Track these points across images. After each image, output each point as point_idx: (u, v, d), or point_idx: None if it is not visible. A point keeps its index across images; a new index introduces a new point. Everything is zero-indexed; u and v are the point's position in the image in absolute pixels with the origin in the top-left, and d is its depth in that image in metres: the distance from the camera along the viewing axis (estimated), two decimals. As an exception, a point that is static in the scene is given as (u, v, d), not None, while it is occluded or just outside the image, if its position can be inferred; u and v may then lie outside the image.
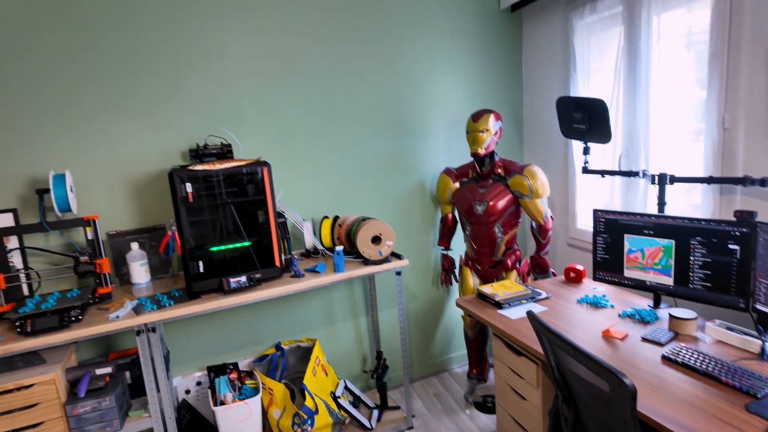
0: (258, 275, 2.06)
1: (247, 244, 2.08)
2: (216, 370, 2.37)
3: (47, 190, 1.96)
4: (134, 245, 2.06)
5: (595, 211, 2.03)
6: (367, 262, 2.27)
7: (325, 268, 2.23)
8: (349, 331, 2.81)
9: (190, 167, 1.97)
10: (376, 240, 2.27)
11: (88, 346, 2.21)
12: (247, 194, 2.08)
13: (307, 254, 2.49)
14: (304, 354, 2.61)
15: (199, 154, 2.17)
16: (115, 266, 2.20)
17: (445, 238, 2.84)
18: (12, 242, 2.03)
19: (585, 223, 2.76)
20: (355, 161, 2.71)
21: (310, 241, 2.48)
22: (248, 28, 2.37)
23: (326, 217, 2.54)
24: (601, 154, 2.53)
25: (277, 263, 2.13)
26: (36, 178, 2.06)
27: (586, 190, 2.72)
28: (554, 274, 2.58)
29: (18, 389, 1.75)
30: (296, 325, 2.67)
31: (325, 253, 2.50)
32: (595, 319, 1.87)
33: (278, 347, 2.55)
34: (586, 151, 2.43)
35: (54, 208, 1.94)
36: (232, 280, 1.99)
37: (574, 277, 2.29)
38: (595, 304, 2.00)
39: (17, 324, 1.68)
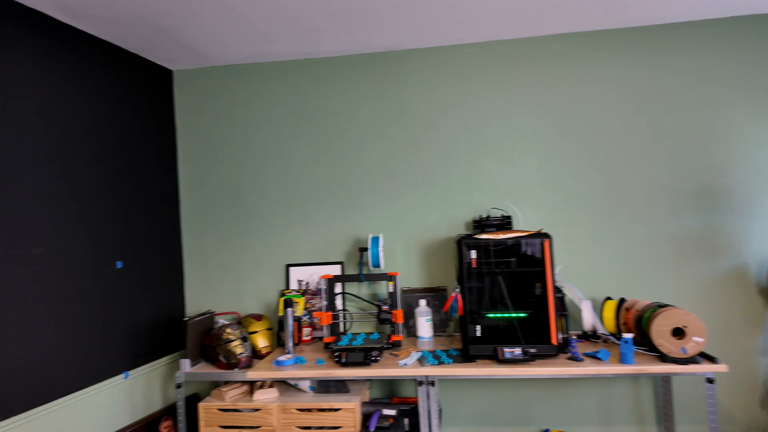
0: (533, 350, 1.99)
1: (523, 315, 2.06)
2: (480, 441, 2.34)
3: (366, 249, 2.45)
4: (422, 302, 2.31)
5: None
6: (664, 358, 1.91)
7: (609, 356, 1.98)
8: (632, 438, 2.37)
9: (475, 236, 2.12)
10: (679, 333, 1.90)
11: (378, 386, 2.54)
12: (525, 265, 2.09)
13: (585, 336, 2.28)
14: (576, 450, 2.32)
15: (481, 224, 2.33)
16: (404, 318, 2.51)
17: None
18: (337, 288, 2.58)
19: None
20: (645, 238, 2.40)
21: (589, 322, 2.27)
22: (534, 111, 2.50)
23: (609, 298, 2.29)
24: None
25: (554, 341, 2.02)
26: (358, 239, 2.60)
27: None
28: None
29: (330, 410, 2.14)
30: (566, 413, 2.42)
31: (607, 338, 2.23)
32: None
33: (546, 434, 2.36)
34: None
35: (368, 263, 2.40)
36: (506, 350, 1.99)
37: None
38: None
39: (336, 354, 2.09)
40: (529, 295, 2.08)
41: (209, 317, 2.49)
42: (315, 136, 2.66)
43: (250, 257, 2.71)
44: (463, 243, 2.10)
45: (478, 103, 2.54)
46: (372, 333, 2.37)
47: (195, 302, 2.76)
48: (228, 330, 2.29)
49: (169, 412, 2.49)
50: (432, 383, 2.02)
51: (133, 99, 2.45)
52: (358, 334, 2.37)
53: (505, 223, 2.33)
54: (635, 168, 2.42)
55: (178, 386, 2.24)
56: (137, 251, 2.41)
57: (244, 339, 2.31)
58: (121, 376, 2.26)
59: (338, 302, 2.56)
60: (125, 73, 2.40)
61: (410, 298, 2.51)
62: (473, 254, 2.10)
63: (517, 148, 2.51)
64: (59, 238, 1.99)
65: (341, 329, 2.53)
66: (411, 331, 2.49)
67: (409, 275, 2.57)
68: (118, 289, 2.27)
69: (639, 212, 2.41)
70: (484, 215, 2.51)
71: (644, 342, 2.07)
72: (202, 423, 2.22)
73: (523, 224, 2.49)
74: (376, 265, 2.38)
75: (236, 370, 2.23)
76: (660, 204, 2.40)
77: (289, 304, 2.29)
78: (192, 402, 2.58)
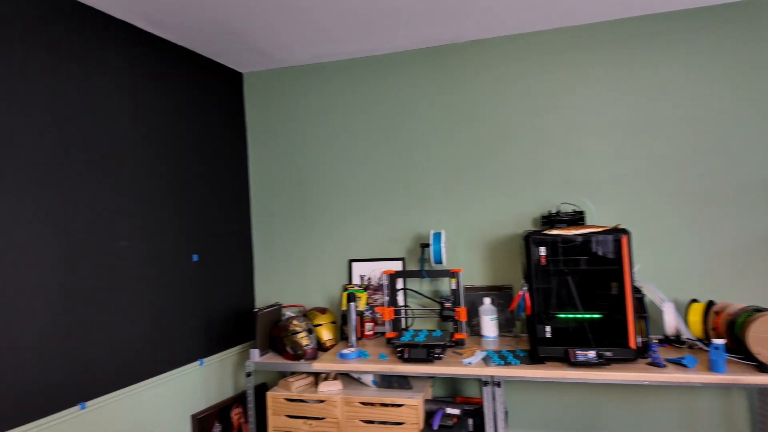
0: (608, 353, 1.87)
1: (597, 316, 1.94)
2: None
3: (428, 245, 2.42)
4: (486, 300, 2.25)
5: None
6: (762, 367, 1.72)
7: (696, 363, 1.81)
8: (722, 455, 2.16)
9: (545, 232, 2.03)
10: (780, 340, 1.70)
11: (440, 384, 2.51)
12: (599, 263, 1.96)
13: (667, 341, 2.11)
14: (656, 464, 2.15)
15: (551, 220, 2.22)
16: (468, 316, 2.46)
17: None
18: (398, 283, 2.57)
19: None
20: (736, 236, 2.17)
21: (672, 325, 2.10)
22: (609, 98, 2.34)
23: (695, 300, 2.10)
24: None
25: (632, 344, 1.88)
26: (419, 234, 2.58)
27: None
28: None
29: (393, 405, 2.14)
30: (643, 423, 2.26)
31: (693, 344, 2.05)
32: None
33: (622, 444, 2.20)
34: None
35: (430, 259, 2.37)
36: (579, 352, 1.88)
37: None
38: None
39: (398, 350, 2.08)
40: (604, 295, 1.96)
41: (277, 309, 2.57)
42: (377, 132, 2.67)
43: (314, 252, 2.77)
44: (531, 239, 2.02)
45: (545, 92, 2.43)
46: (434, 330, 2.34)
47: (264, 295, 2.87)
48: (295, 322, 2.36)
49: (239, 399, 2.61)
50: (498, 384, 1.96)
51: (207, 102, 2.60)
52: (420, 330, 2.35)
53: (576, 219, 2.21)
54: (725, 159, 2.20)
55: (248, 375, 2.34)
56: (211, 246, 2.54)
57: (310, 331, 2.37)
58: (197, 363, 2.40)
59: (400, 298, 2.56)
60: (200, 77, 2.55)
61: (473, 296, 2.45)
62: (542, 251, 2.01)
63: (589, 138, 2.37)
64: (142, 232, 2.14)
65: (403, 325, 2.52)
66: (474, 329, 2.44)
67: (472, 272, 2.51)
68: (194, 281, 2.41)
69: (729, 208, 2.19)
70: (554, 210, 2.40)
71: (737, 349, 1.88)
72: (269, 411, 2.30)
73: (597, 220, 2.35)
74: (438, 261, 2.35)
75: (302, 361, 2.29)
76: (754, 198, 2.16)
77: (351, 298, 2.32)
78: (261, 391, 2.68)
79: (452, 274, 2.29)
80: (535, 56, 2.44)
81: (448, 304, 2.25)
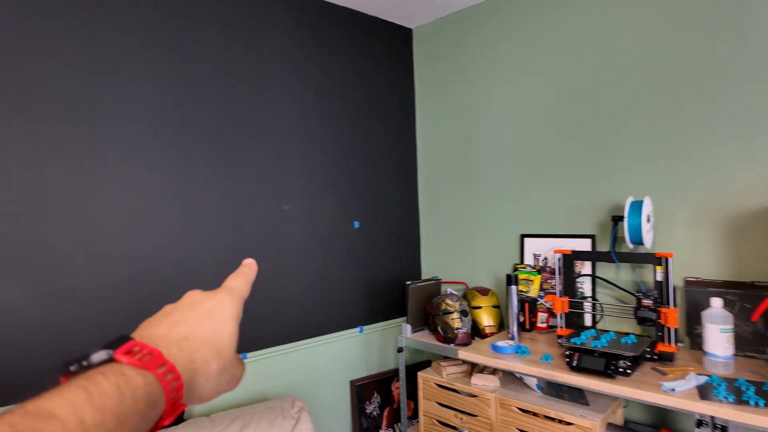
0: None
1: None
2: None
3: (621, 218, 1.78)
4: (715, 301, 1.51)
5: None
6: None
7: None
8: None
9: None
10: None
11: (639, 406, 1.87)
12: None
13: None
14: None
15: None
16: (686, 322, 1.73)
17: None
18: (585, 268, 2.00)
19: None
20: None
21: None
22: None
23: None
24: None
25: None
26: (615, 204, 1.93)
27: None
28: None
29: (559, 421, 1.66)
30: None
31: None
32: None
33: None
34: None
35: (625, 238, 1.73)
36: None
37: None
38: None
39: (567, 353, 1.59)
40: None
41: (435, 284, 2.34)
42: (559, 78, 2.09)
43: (482, 223, 2.41)
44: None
45: None
46: (627, 334, 1.72)
47: (429, 267, 2.67)
48: (448, 301, 2.09)
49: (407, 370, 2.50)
50: (723, 429, 1.29)
51: (373, 63, 2.48)
52: (606, 332, 1.76)
53: None
54: None
55: (399, 350, 2.19)
56: (374, 213, 2.46)
57: (464, 313, 2.06)
58: (356, 329, 2.38)
59: (586, 287, 1.98)
60: (364, 37, 2.45)
61: (697, 294, 1.70)
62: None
63: None
64: (305, 197, 2.18)
65: (587, 322, 1.96)
66: (695, 342, 1.70)
67: (697, 260, 1.74)
68: (355, 247, 2.38)
69: None
70: None
71: None
72: (420, 394, 2.10)
73: None
74: (637, 240, 1.69)
75: (452, 345, 2.00)
76: None
77: (512, 280, 1.90)
78: (422, 368, 2.52)
79: (657, 259, 1.62)
80: None
81: (647, 302, 1.60)
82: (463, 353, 1.82)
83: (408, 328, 2.19)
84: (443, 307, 2.08)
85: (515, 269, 2.22)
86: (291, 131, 2.15)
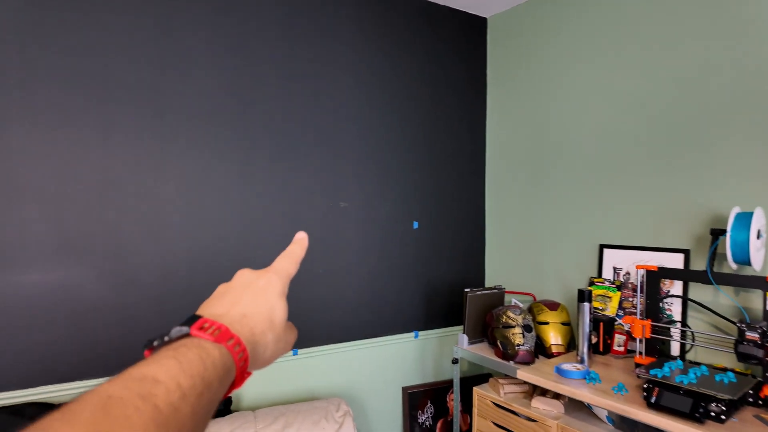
0: None
1: None
2: None
3: (723, 232, 1.49)
4: None
5: None
6: None
7: None
8: None
9: None
10: None
11: (736, 457, 1.57)
12: None
13: None
14: None
15: None
16: (805, 363, 1.41)
17: None
18: (675, 288, 1.72)
19: None
20: None
21: None
22: None
23: None
24: None
25: None
26: (716, 214, 1.64)
27: None
28: None
29: (630, 462, 1.44)
30: None
31: None
32: None
33: None
34: None
35: (727, 255, 1.45)
36: None
37: None
38: None
39: (645, 387, 1.36)
40: None
41: (497, 293, 2.17)
42: (653, 66, 1.82)
43: (555, 229, 2.19)
44: None
45: None
46: (724, 371, 1.44)
47: (494, 274, 2.50)
48: (510, 313, 1.91)
49: (463, 383, 2.36)
50: None
51: (442, 55, 2.36)
52: (697, 365, 1.49)
53: None
54: None
55: (454, 361, 2.06)
56: (435, 212, 2.35)
57: (528, 328, 1.87)
58: (411, 334, 2.29)
59: (675, 309, 1.71)
60: (432, 29, 2.33)
61: (823, 330, 1.38)
62: None
63: None
64: (362, 194, 2.13)
65: (673, 351, 1.69)
66: (819, 388, 1.38)
67: (827, 288, 1.41)
68: (414, 248, 2.28)
69: None
70: None
71: None
72: (475, 411, 1.96)
73: None
74: (743, 260, 1.41)
75: (511, 363, 1.83)
76: None
77: (585, 296, 1.69)
78: (479, 382, 2.36)
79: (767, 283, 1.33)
80: None
81: (752, 335, 1.33)
82: (523, 373, 1.65)
83: (464, 338, 2.05)
84: (504, 320, 1.91)
85: (591, 283, 1.98)
86: (351, 127, 2.10)
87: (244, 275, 0.43)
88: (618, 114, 1.94)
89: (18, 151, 1.48)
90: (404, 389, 2.27)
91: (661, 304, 1.72)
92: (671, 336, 1.65)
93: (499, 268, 2.47)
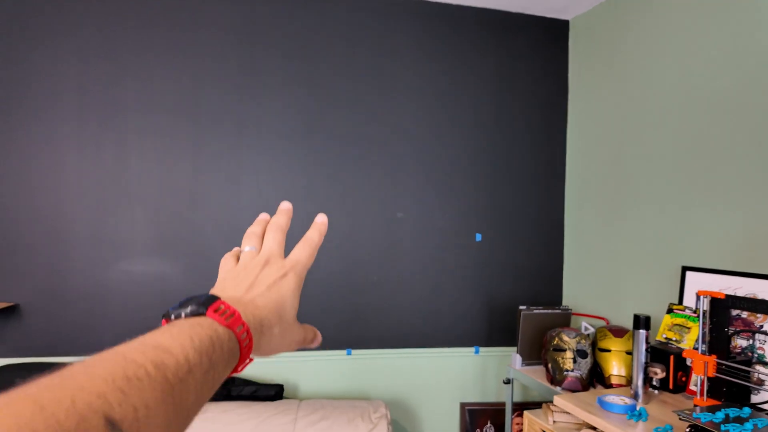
0: None
1: None
2: None
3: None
4: None
5: None
6: None
7: None
8: None
9: None
10: None
11: None
12: None
13: None
14: None
15: None
16: None
17: None
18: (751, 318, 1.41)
19: None
20: None
21: None
22: None
23: None
24: None
25: None
26: (823, 235, 1.31)
27: None
28: None
29: None
30: None
31: None
32: None
33: None
34: None
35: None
36: None
37: None
38: None
39: (688, 429, 1.16)
40: None
41: (562, 314, 2.00)
42: (751, 63, 1.54)
43: (632, 249, 1.95)
44: None
45: None
46: (810, 429, 1.14)
47: (573, 294, 2.30)
48: (564, 336, 1.77)
49: (525, 407, 2.23)
50: None
51: (516, 65, 2.30)
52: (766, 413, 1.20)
53: None
54: None
55: (506, 382, 1.96)
56: (501, 225, 2.27)
57: (582, 354, 1.71)
58: (472, 349, 2.24)
59: (745, 343, 1.40)
60: (508, 38, 2.28)
61: None
62: None
63: None
64: (421, 204, 2.18)
65: (758, 397, 1.38)
66: None
67: None
68: (476, 261, 2.24)
69: None
70: None
71: None
72: (525, 436, 1.84)
73: None
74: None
75: (558, 388, 1.69)
76: None
77: (642, 323, 1.49)
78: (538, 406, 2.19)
79: None
80: None
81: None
82: (560, 399, 1.52)
83: (518, 358, 1.94)
84: (555, 342, 1.77)
85: (670, 310, 1.72)
86: (413, 136, 2.17)
87: (262, 257, 0.45)
88: (709, 118, 1.67)
89: (133, 167, 1.91)
90: (462, 405, 2.22)
91: (750, 341, 1.43)
92: (750, 380, 1.35)
93: (578, 287, 2.27)
